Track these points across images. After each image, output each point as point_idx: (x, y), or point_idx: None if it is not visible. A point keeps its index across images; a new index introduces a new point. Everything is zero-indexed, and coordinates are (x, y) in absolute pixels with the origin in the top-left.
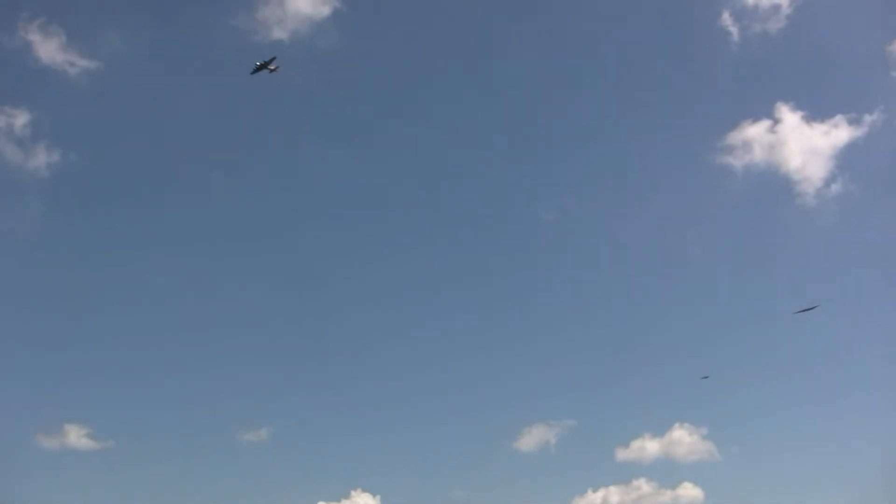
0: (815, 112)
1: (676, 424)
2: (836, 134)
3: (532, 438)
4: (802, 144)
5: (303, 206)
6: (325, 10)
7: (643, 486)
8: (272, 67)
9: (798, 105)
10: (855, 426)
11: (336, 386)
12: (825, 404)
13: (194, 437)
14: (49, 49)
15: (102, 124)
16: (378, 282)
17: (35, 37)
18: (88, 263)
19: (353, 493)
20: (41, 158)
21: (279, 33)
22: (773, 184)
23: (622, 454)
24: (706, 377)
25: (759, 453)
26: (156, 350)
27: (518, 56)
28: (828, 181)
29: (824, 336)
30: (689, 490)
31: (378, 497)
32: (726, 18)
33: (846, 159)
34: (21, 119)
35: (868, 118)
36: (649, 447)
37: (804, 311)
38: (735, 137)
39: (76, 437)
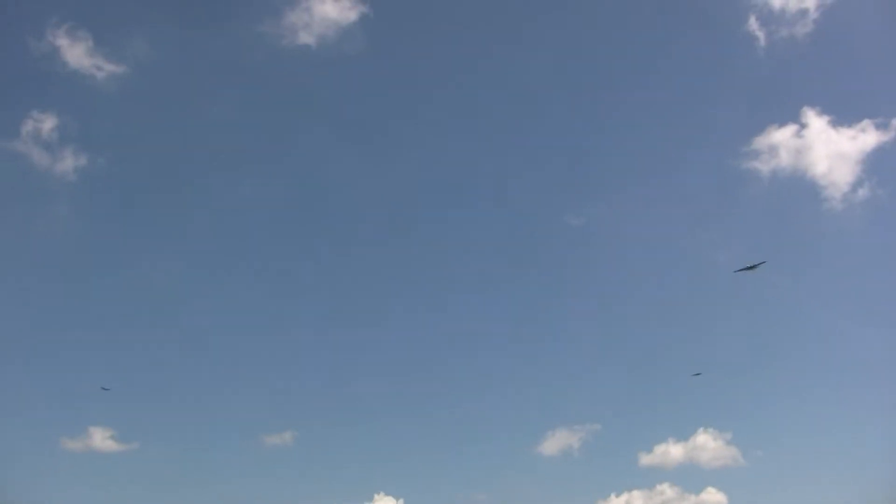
0: (842, 117)
1: (700, 429)
2: (864, 139)
3: (555, 443)
4: (829, 149)
5: (328, 210)
6: (353, 15)
7: (666, 490)
8: None
9: (825, 110)
10: (881, 431)
11: (359, 389)
12: (852, 410)
13: (218, 439)
14: (76, 53)
15: (129, 129)
16: (400, 285)
17: (63, 41)
18: (115, 268)
19: (376, 496)
20: (68, 163)
21: (306, 38)
22: (799, 189)
23: (645, 459)
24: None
25: (783, 458)
26: (180, 352)
27: (545, 61)
28: (854, 186)
29: (851, 342)
30: (712, 495)
31: (401, 500)
32: (753, 23)
33: (873, 164)
34: (48, 123)
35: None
36: (673, 452)
37: (747, 269)
38: (761, 142)
39: (100, 439)
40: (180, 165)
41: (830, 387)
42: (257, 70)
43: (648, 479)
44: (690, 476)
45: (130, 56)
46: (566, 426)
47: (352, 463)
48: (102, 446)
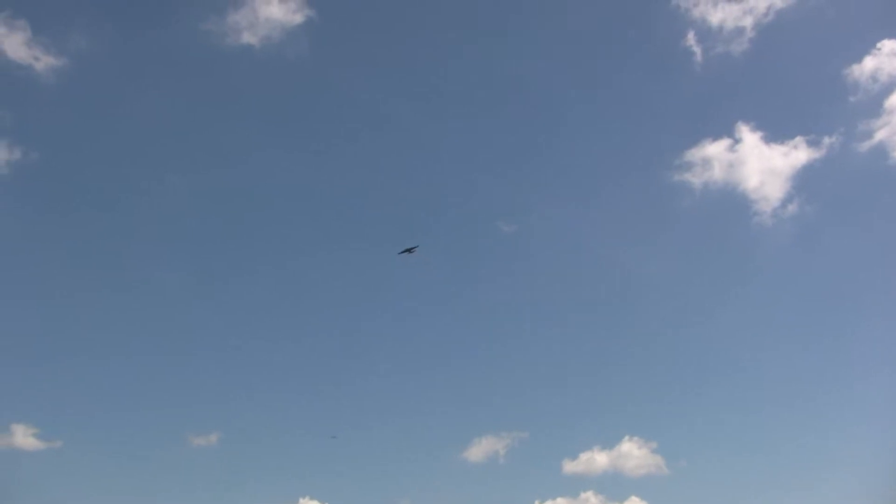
0: (775, 133)
1: (626, 437)
2: (795, 155)
3: (481, 449)
4: (761, 164)
5: (259, 211)
6: (298, 18)
7: (591, 498)
8: None
9: (758, 125)
10: (806, 446)
11: (286, 392)
12: (777, 424)
13: (143, 439)
14: (14, 43)
15: (66, 123)
16: (331, 287)
17: (0, 30)
18: (44, 263)
19: (301, 500)
20: (2, 155)
21: (249, 38)
22: (730, 202)
23: (570, 466)
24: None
25: (706, 468)
26: (105, 350)
27: (484, 70)
28: (784, 202)
29: (777, 355)
30: None
31: None
32: (691, 39)
33: (804, 180)
34: None
35: (826, 140)
36: (598, 459)
37: (407, 251)
38: (695, 155)
39: (23, 436)
40: (116, 162)
41: (755, 400)
42: (198, 67)
43: (573, 486)
44: (614, 484)
45: (70, 49)
46: (493, 433)
47: (277, 465)
48: (25, 444)
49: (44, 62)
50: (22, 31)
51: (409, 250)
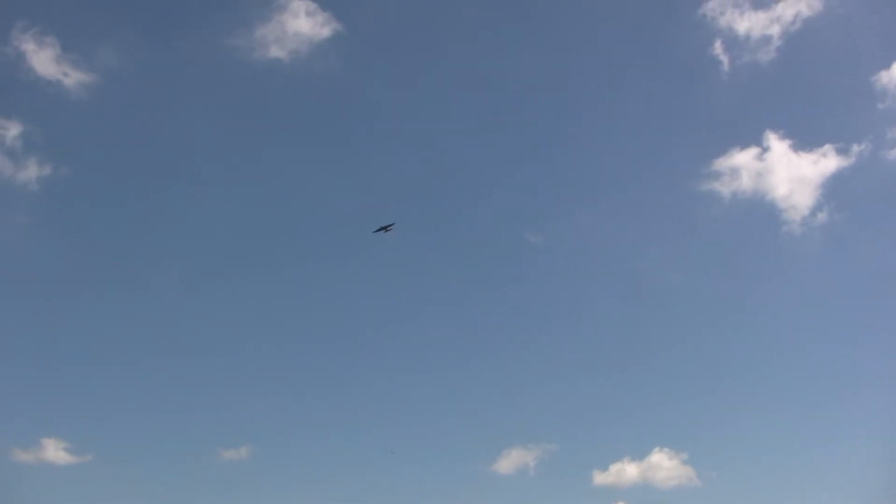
0: (804, 141)
1: (656, 449)
2: (824, 163)
3: (511, 461)
4: (790, 173)
5: (289, 223)
6: (325, 32)
7: None
8: None
9: (786, 134)
10: (835, 455)
11: (316, 404)
12: (808, 434)
13: (174, 453)
14: (43, 60)
15: (96, 139)
16: (360, 301)
17: (29, 46)
18: (75, 279)
19: None
20: (32, 171)
21: (277, 52)
22: (759, 211)
23: (600, 478)
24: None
25: (737, 479)
26: (136, 364)
27: (509, 81)
28: (814, 210)
29: (806, 364)
30: None
31: None
32: (718, 48)
33: (833, 188)
34: (13, 131)
35: (856, 148)
36: (628, 471)
37: (382, 229)
38: (723, 164)
39: (54, 451)
40: (146, 177)
41: (786, 410)
42: (227, 82)
43: (603, 498)
44: (645, 495)
45: (99, 64)
46: (522, 445)
47: (307, 478)
48: (56, 458)
49: (73, 78)
50: (51, 48)
51: (384, 228)
